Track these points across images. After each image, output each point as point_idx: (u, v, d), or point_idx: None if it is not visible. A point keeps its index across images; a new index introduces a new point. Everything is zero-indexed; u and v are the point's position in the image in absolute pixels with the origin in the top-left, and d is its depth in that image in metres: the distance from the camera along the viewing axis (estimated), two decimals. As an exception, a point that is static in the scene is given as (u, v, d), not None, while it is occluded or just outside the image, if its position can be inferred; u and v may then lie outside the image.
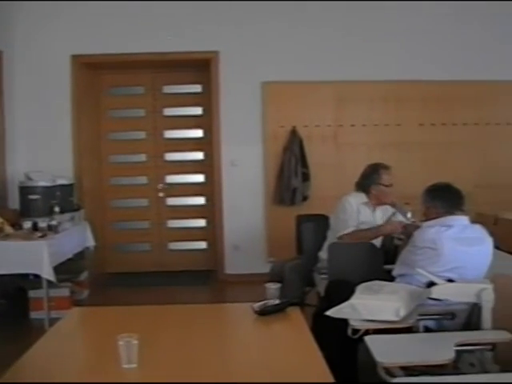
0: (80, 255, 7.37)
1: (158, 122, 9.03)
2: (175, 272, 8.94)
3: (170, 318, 3.75)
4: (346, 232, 5.25)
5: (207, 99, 8.68)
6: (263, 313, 3.67)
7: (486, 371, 3.28)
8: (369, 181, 5.46)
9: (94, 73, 8.79)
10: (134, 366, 2.82)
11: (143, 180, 9.09)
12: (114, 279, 8.58)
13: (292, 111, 8.45)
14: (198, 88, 8.99)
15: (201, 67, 8.59)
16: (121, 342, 2.84)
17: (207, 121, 8.75)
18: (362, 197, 5.45)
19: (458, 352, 3.17)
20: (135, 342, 2.84)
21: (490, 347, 3.31)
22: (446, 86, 8.63)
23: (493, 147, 8.86)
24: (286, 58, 8.38)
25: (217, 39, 8.32)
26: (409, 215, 5.98)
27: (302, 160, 8.40)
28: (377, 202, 5.47)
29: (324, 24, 8.42)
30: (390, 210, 5.65)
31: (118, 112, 9.00)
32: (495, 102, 8.84)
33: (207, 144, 8.81)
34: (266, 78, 8.39)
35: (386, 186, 5.39)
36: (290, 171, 8.33)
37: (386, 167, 5.47)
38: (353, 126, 8.58)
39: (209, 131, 8.73)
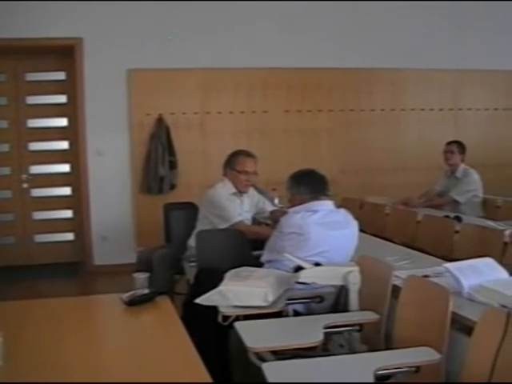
0: None
1: (21, 111, 8.69)
2: (42, 265, 8.69)
3: (36, 313, 3.62)
4: (237, 220, 5.27)
5: (71, 87, 8.48)
6: (132, 303, 3.62)
7: (354, 351, 3.35)
8: (227, 165, 5.47)
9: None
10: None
11: (6, 171, 8.74)
12: (-23, 274, 8.28)
13: (158, 99, 8.38)
14: (61, 75, 8.73)
15: (64, 54, 8.36)
16: (-16, 340, 2.74)
17: (72, 109, 8.55)
18: (229, 187, 5.43)
19: (327, 334, 3.22)
20: (0, 339, 2.74)
21: (357, 328, 3.38)
22: (311, 74, 8.80)
23: (357, 133, 9.10)
24: (152, 46, 8.30)
25: (80, 25, 8.11)
26: (276, 201, 6.06)
27: (169, 148, 8.37)
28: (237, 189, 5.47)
29: (187, 11, 8.38)
30: (256, 196, 5.70)
31: (-22, 100, 8.62)
32: (360, 89, 9.10)
33: (72, 133, 8.62)
34: (132, 66, 8.29)
35: (240, 172, 5.39)
36: (157, 159, 8.28)
37: (247, 154, 5.46)
38: (219, 113, 8.62)
39: (73, 120, 8.54)
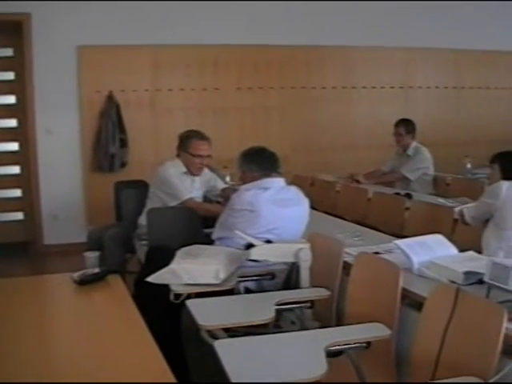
0: None
1: (-33, 89, 8.53)
2: (-9, 245, 8.57)
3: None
4: (186, 198, 5.24)
5: (20, 64, 8.29)
6: (83, 282, 3.60)
7: (305, 328, 3.37)
8: (181, 147, 5.42)
9: None
10: None
11: (-48, 150, 8.58)
12: None
13: (108, 76, 8.26)
14: (9, 52, 8.49)
15: (12, 30, 8.18)
16: None
17: (20, 86, 8.37)
18: (180, 166, 5.39)
19: (279, 311, 3.24)
20: None
21: (308, 305, 3.41)
22: (263, 51, 8.79)
23: (308, 111, 9.12)
24: (102, 22, 8.15)
25: (29, 1, 7.92)
26: (227, 179, 6.05)
27: (120, 126, 8.28)
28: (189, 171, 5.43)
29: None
30: (207, 174, 5.67)
31: None
32: (311, 67, 9.11)
33: (20, 111, 8.44)
34: (81, 42, 8.14)
35: (193, 155, 5.35)
36: (108, 137, 8.18)
37: (201, 137, 5.42)
38: (170, 90, 8.55)
39: (22, 97, 8.37)
